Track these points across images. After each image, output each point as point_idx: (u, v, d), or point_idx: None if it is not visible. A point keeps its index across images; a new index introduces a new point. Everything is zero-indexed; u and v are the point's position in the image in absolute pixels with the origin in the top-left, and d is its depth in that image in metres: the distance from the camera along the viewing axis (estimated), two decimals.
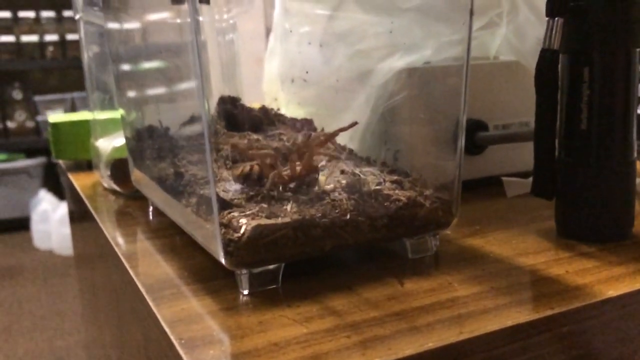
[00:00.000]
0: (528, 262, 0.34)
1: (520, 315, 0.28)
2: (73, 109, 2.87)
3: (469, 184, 0.51)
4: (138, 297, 0.33)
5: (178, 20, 0.36)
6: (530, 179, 0.50)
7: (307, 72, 0.52)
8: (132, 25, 0.44)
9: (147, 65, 0.44)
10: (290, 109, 0.57)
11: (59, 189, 2.79)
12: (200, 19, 0.29)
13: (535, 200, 0.40)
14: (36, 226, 2.56)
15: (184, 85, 0.39)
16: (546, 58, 0.37)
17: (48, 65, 2.87)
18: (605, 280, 0.31)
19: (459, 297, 0.30)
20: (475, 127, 0.50)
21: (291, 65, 0.55)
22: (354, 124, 0.38)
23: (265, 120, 0.48)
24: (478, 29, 0.48)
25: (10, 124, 2.80)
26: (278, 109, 0.50)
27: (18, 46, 2.78)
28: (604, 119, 0.36)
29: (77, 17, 0.56)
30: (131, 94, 0.48)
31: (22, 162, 2.77)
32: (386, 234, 0.34)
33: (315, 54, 0.52)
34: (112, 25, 0.47)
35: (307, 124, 0.48)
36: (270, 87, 0.61)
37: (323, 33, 0.52)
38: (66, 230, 2.43)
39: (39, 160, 2.80)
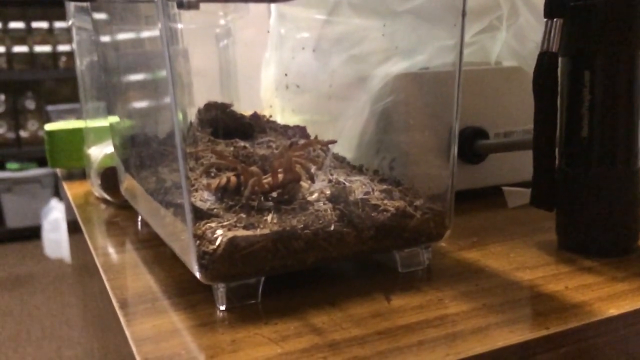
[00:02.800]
0: (525, 277, 0.32)
1: (512, 335, 0.26)
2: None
3: (468, 193, 0.49)
4: (113, 312, 0.32)
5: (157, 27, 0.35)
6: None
7: (300, 79, 0.51)
8: (118, 30, 0.43)
9: (133, 72, 0.43)
10: (285, 116, 0.55)
11: None
12: (179, 25, 0.27)
13: (538, 211, 0.38)
14: (47, 235, 2.57)
15: (164, 92, 0.37)
16: (544, 61, 0.35)
17: (61, 75, 2.89)
18: (607, 298, 0.29)
19: (448, 315, 0.28)
20: (475, 135, 0.48)
21: (286, 72, 0.53)
22: (333, 141, 0.36)
23: (257, 127, 0.46)
24: (478, 32, 0.46)
25: (23, 134, 2.83)
26: (270, 116, 0.48)
27: (31, 56, 2.81)
28: (606, 126, 0.34)
29: (69, 22, 0.55)
30: (118, 101, 0.47)
31: (34, 171, 2.79)
32: (373, 246, 0.32)
33: (309, 59, 0.51)
34: (100, 34, 0.46)
35: (299, 131, 0.46)
36: (266, 94, 0.60)
37: (318, 38, 0.51)
38: None
39: (51, 169, 2.82)
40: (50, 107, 2.88)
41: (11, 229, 2.77)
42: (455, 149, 0.33)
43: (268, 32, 0.62)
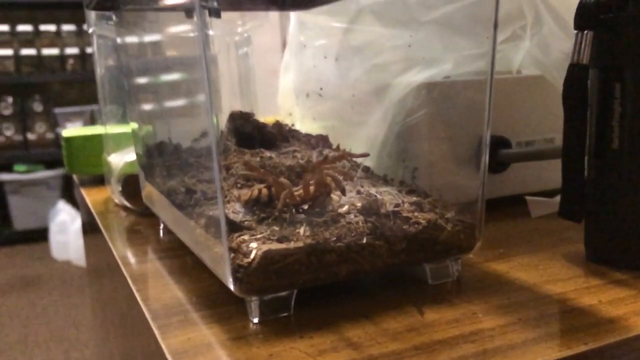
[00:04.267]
0: (557, 290, 0.32)
1: (551, 351, 0.26)
2: (92, 121, 2.90)
3: (490, 203, 0.49)
4: (144, 323, 0.32)
5: (190, 34, 0.35)
6: (556, 198, 0.48)
7: (321, 88, 0.51)
8: (143, 38, 0.43)
9: (158, 79, 0.43)
10: (305, 124, 0.55)
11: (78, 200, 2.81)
12: (211, 32, 0.27)
13: (562, 222, 0.38)
14: (54, 237, 2.57)
15: (194, 101, 0.37)
16: (574, 73, 0.35)
17: (68, 78, 2.90)
18: None
19: (483, 330, 0.28)
20: (497, 143, 0.48)
21: (306, 80, 0.53)
22: (365, 154, 0.36)
23: (279, 136, 0.46)
24: (501, 42, 0.46)
25: (31, 136, 2.84)
26: (292, 125, 0.48)
27: (39, 59, 2.82)
28: (637, 138, 0.33)
29: (90, 30, 0.55)
30: (142, 108, 0.47)
31: (42, 174, 2.80)
32: (405, 259, 0.32)
33: (331, 67, 0.51)
34: (124, 39, 0.47)
35: (322, 140, 0.46)
36: (285, 102, 0.60)
37: (339, 46, 0.51)
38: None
39: (58, 171, 2.83)
40: (57, 110, 2.90)
41: (18, 231, 2.78)
42: (486, 159, 0.33)
43: (282, 40, 0.62)
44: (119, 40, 0.46)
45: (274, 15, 0.66)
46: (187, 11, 0.34)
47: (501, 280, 0.34)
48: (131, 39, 0.45)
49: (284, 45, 0.67)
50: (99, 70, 0.57)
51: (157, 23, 0.39)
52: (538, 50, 0.46)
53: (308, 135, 0.47)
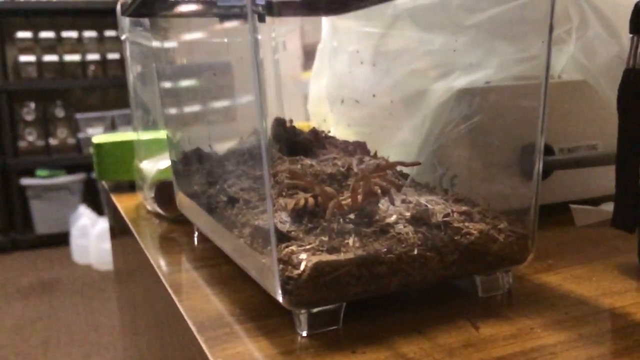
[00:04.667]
0: (615, 304, 0.31)
1: None
2: (113, 126, 2.92)
3: None
4: (188, 335, 0.31)
5: (235, 39, 0.34)
6: (602, 206, 0.46)
7: (357, 93, 0.50)
8: (181, 44, 0.43)
9: (196, 85, 0.42)
10: (338, 130, 0.54)
11: (98, 204, 2.84)
12: (259, 37, 0.27)
13: (608, 230, 0.36)
14: (75, 241, 2.60)
15: (235, 106, 0.37)
16: (630, 78, 0.33)
17: (89, 83, 2.94)
18: None
19: (545, 346, 0.27)
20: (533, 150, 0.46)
21: (340, 85, 0.53)
22: (417, 163, 0.35)
23: (316, 143, 0.45)
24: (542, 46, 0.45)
25: (52, 141, 2.87)
26: (328, 131, 0.48)
27: (61, 65, 2.86)
28: None
29: (123, 37, 0.55)
30: (178, 115, 0.46)
31: (63, 178, 2.83)
32: (456, 271, 0.31)
33: (367, 73, 0.50)
34: (160, 45, 0.46)
35: (359, 146, 0.45)
36: (317, 108, 0.59)
37: (375, 52, 0.50)
38: (104, 245, 2.46)
39: (79, 176, 2.86)
40: (79, 115, 2.93)
41: (40, 235, 2.81)
42: (540, 166, 0.32)
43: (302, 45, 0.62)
44: (155, 45, 0.46)
45: (295, 20, 0.65)
46: (222, 17, 0.34)
47: (555, 293, 0.33)
48: (168, 45, 0.45)
49: (304, 50, 0.67)
50: (131, 77, 0.57)
51: (198, 26, 0.38)
52: (582, 54, 0.45)
53: (345, 142, 0.46)
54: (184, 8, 0.42)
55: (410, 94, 0.48)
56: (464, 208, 0.33)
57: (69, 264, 2.59)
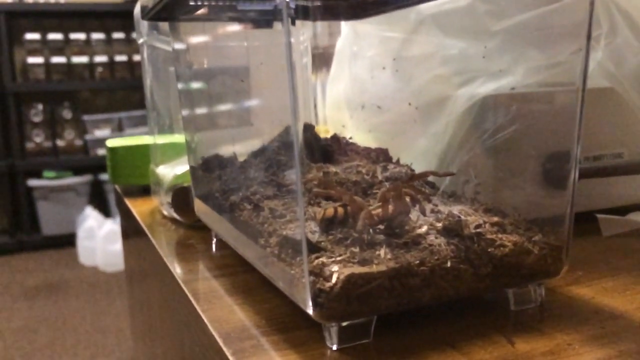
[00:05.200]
0: None
1: None
2: (120, 128, 2.93)
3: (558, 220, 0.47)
4: (213, 346, 0.30)
5: (258, 43, 0.33)
6: (629, 216, 0.46)
7: (378, 98, 0.49)
8: (202, 48, 0.42)
9: (217, 89, 0.42)
10: (358, 136, 0.54)
11: (105, 206, 2.84)
12: (292, 40, 0.26)
13: (637, 241, 0.35)
14: (82, 243, 2.60)
15: (256, 111, 0.36)
16: None
17: (97, 85, 2.94)
18: None
19: None
20: (564, 158, 0.45)
21: (361, 91, 0.52)
22: (451, 173, 0.34)
23: (337, 149, 0.45)
24: (572, 52, 0.44)
25: (60, 143, 2.87)
26: (350, 138, 0.47)
27: (69, 67, 2.87)
28: None
29: (140, 41, 0.55)
30: (198, 119, 0.46)
31: (70, 180, 2.83)
32: (489, 284, 0.30)
33: (388, 78, 0.49)
34: (180, 48, 0.46)
35: (382, 153, 0.45)
36: (335, 113, 0.58)
37: (397, 57, 0.49)
38: (111, 247, 2.46)
39: (86, 178, 2.86)
40: (86, 117, 2.93)
41: (46, 236, 2.81)
42: (575, 176, 0.31)
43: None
44: (175, 48, 0.45)
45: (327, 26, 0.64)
46: (254, 21, 0.33)
47: (589, 307, 0.32)
48: (188, 48, 0.44)
49: (313, 55, 0.66)
50: (148, 81, 0.57)
51: (221, 28, 0.38)
52: (610, 61, 0.44)
53: (367, 149, 0.45)
54: (204, 12, 0.41)
55: (432, 100, 0.47)
56: (495, 219, 0.32)
57: (75, 265, 2.59)
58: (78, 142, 2.90)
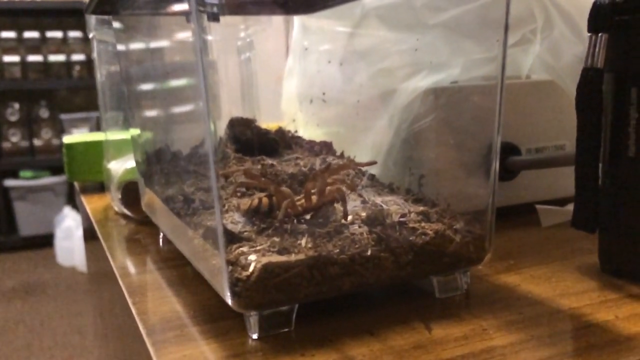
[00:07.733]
0: (571, 305, 0.31)
1: None
2: (98, 127, 2.90)
3: (499, 212, 0.47)
4: (139, 338, 0.30)
5: (189, 39, 0.34)
6: (568, 207, 0.46)
7: (324, 93, 0.50)
8: (142, 44, 0.42)
9: (157, 85, 0.42)
10: (308, 130, 0.54)
11: None
12: (210, 37, 0.26)
13: (574, 231, 0.36)
14: (60, 243, 2.57)
15: (192, 107, 0.36)
16: (588, 78, 0.33)
17: (74, 84, 2.91)
18: None
19: (495, 348, 0.26)
20: (507, 150, 0.46)
21: (310, 85, 0.52)
22: (373, 162, 0.35)
23: (282, 143, 0.45)
24: (510, 46, 0.45)
25: (37, 142, 2.84)
26: (296, 131, 0.47)
27: (45, 65, 2.83)
28: None
29: (90, 35, 0.55)
30: (141, 115, 0.46)
31: (48, 180, 2.80)
32: (411, 272, 0.30)
33: (335, 73, 0.49)
34: (123, 44, 0.46)
35: (325, 146, 0.45)
36: (288, 107, 0.58)
37: (343, 51, 0.50)
38: None
39: (64, 177, 2.83)
40: (63, 116, 2.90)
41: (24, 237, 2.78)
42: (496, 166, 0.32)
43: (286, 45, 0.61)
44: (118, 45, 0.45)
45: (278, 20, 0.65)
46: (188, 15, 0.33)
47: (512, 294, 0.32)
48: (130, 44, 0.44)
49: (288, 50, 0.66)
50: (99, 77, 0.56)
51: (156, 28, 0.38)
52: (548, 54, 0.44)
53: (311, 142, 0.46)
54: (145, 6, 0.41)
55: (378, 93, 0.48)
56: (421, 208, 0.33)
57: (54, 266, 2.57)
58: (55, 142, 2.86)
